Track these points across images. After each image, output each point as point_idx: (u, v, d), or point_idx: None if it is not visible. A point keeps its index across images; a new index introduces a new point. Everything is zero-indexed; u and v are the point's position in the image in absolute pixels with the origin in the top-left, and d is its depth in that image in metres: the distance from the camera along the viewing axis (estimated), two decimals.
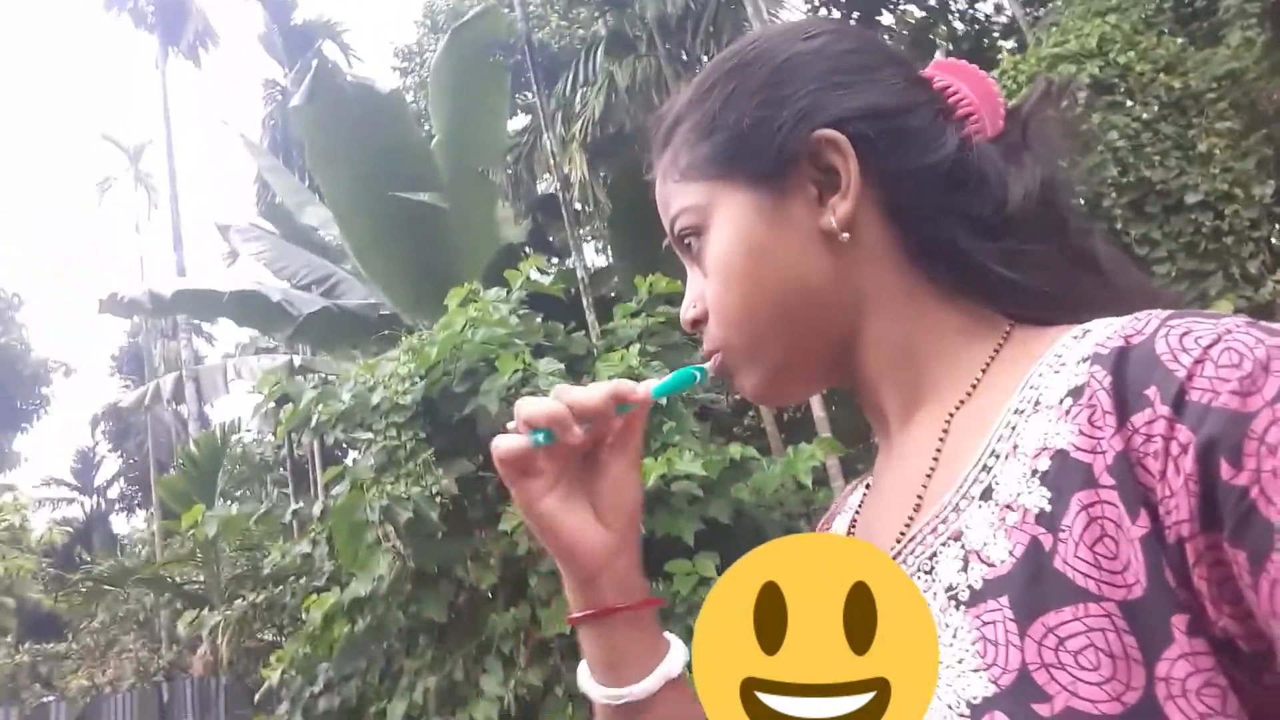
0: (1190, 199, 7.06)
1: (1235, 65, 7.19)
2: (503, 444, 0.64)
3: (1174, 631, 0.46)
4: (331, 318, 9.50)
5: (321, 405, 5.18)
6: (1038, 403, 0.55)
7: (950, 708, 0.52)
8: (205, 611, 6.40)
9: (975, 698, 0.51)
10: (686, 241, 0.69)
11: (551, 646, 4.33)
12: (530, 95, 11.70)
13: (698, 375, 0.70)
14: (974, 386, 0.62)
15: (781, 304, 0.64)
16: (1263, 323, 0.49)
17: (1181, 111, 7.23)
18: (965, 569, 0.55)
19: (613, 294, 9.43)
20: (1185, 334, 0.49)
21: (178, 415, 20.83)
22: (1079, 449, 0.50)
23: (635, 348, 4.93)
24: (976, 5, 16.23)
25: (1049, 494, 0.51)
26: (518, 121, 12.81)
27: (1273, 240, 7.42)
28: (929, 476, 0.61)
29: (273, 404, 5.89)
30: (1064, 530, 0.50)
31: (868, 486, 0.75)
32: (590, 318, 8.23)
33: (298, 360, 11.44)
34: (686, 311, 0.71)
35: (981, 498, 0.56)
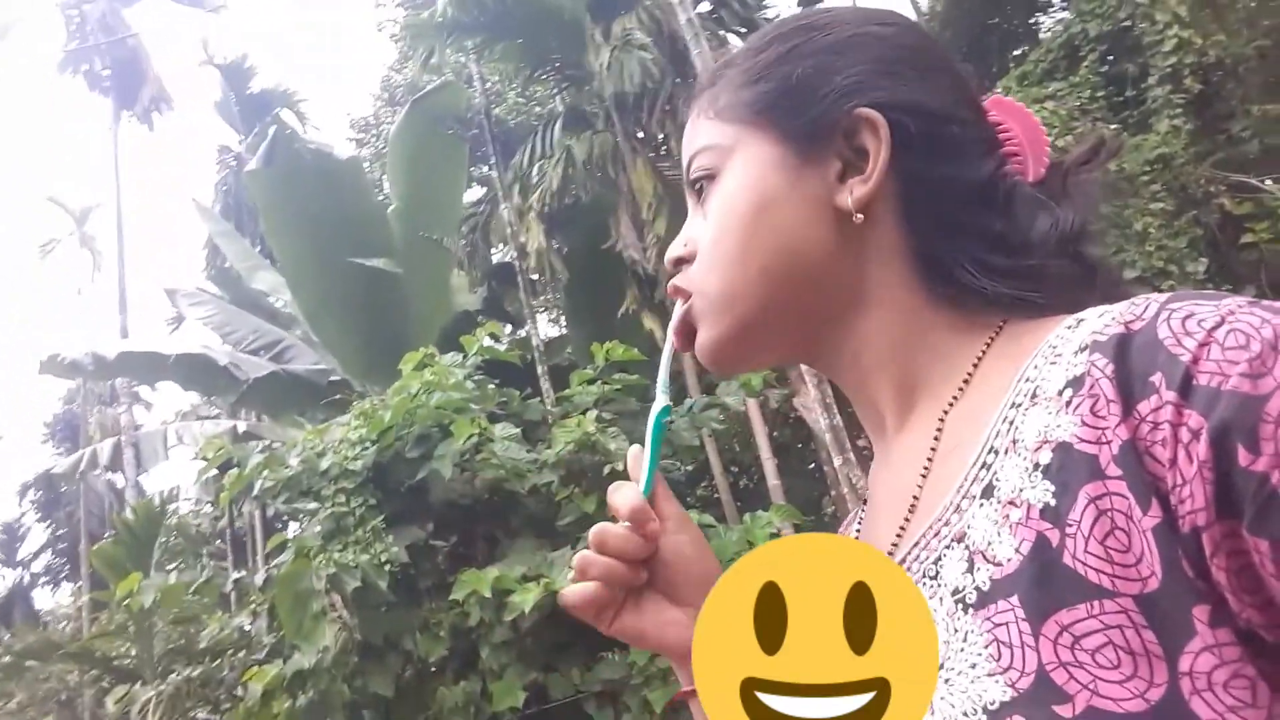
0: (1129, 275, 7.37)
1: (1165, 150, 7.61)
2: (572, 596, 0.66)
3: (1195, 623, 0.44)
4: (279, 383, 9.33)
5: (267, 471, 5.05)
6: (1035, 395, 0.53)
7: (966, 715, 0.50)
8: (136, 687, 6.06)
9: (993, 703, 0.49)
10: (699, 183, 0.68)
11: None
12: (486, 168, 11.84)
13: (665, 408, 0.69)
14: (965, 383, 0.60)
15: (773, 262, 0.63)
16: (1265, 301, 0.47)
17: (1117, 193, 7.59)
18: (971, 570, 0.53)
19: (566, 363, 9.43)
20: (1188, 317, 0.47)
21: (111, 485, 20.08)
22: (1083, 440, 0.48)
23: (592, 414, 4.92)
24: None
25: (1053, 488, 0.49)
26: (474, 193, 12.92)
27: None
28: (924, 477, 0.60)
29: (215, 471, 5.71)
30: (1071, 525, 0.48)
31: (864, 503, 0.74)
32: (545, 385, 8.21)
33: (241, 427, 11.16)
34: (674, 249, 0.69)
35: (983, 496, 0.54)
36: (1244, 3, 9.61)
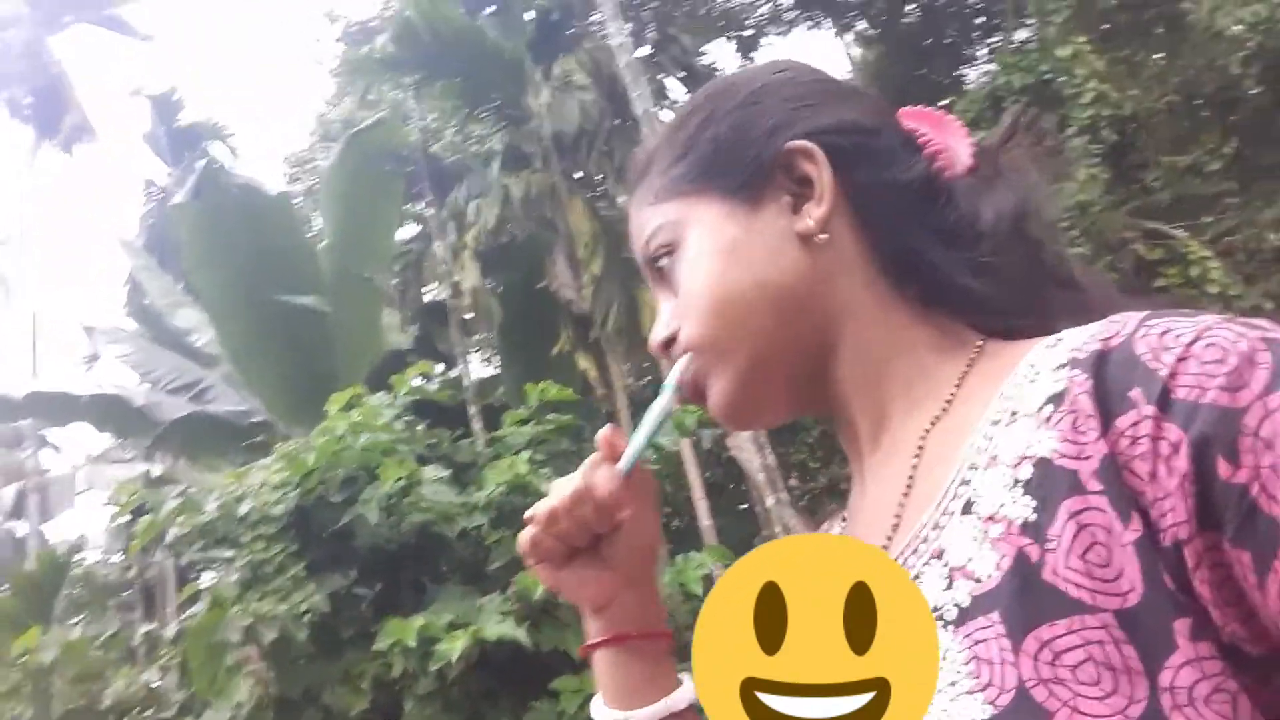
0: None
1: (1083, 197, 7.91)
2: (525, 542, 0.69)
3: (1176, 638, 0.44)
4: (199, 424, 8.99)
5: (182, 517, 4.82)
6: (1014, 412, 0.53)
7: None
8: None
9: None
10: (659, 264, 0.68)
11: None
12: (421, 206, 11.72)
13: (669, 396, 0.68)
14: (948, 403, 0.60)
15: (752, 302, 0.63)
16: (1240, 318, 0.48)
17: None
18: (950, 587, 0.52)
19: (499, 404, 9.29)
20: (1165, 332, 0.47)
21: (11, 534, 19.04)
22: (1063, 455, 0.48)
23: (525, 454, 4.82)
24: None
25: (1033, 503, 0.49)
26: (407, 231, 12.75)
27: None
28: (905, 495, 0.60)
29: (127, 517, 5.43)
30: (1051, 540, 0.48)
31: (844, 520, 0.73)
32: (477, 426, 8.06)
33: (156, 471, 10.71)
34: (658, 334, 0.69)
35: (962, 512, 0.53)
36: (1155, 61, 10.13)
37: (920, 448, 0.60)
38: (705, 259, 0.64)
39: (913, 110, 0.69)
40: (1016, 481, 0.51)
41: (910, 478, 0.60)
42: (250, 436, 8.20)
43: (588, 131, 9.68)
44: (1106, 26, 10.67)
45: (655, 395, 0.69)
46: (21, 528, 15.65)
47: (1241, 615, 0.43)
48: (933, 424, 0.60)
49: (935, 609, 0.52)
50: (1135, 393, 0.46)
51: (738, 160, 0.65)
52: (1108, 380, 0.48)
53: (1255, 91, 9.39)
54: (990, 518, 0.51)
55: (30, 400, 9.32)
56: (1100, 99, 8.63)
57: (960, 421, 0.58)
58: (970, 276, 0.62)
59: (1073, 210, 7.93)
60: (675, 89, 11.13)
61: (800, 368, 0.65)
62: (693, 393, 0.67)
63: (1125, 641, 0.44)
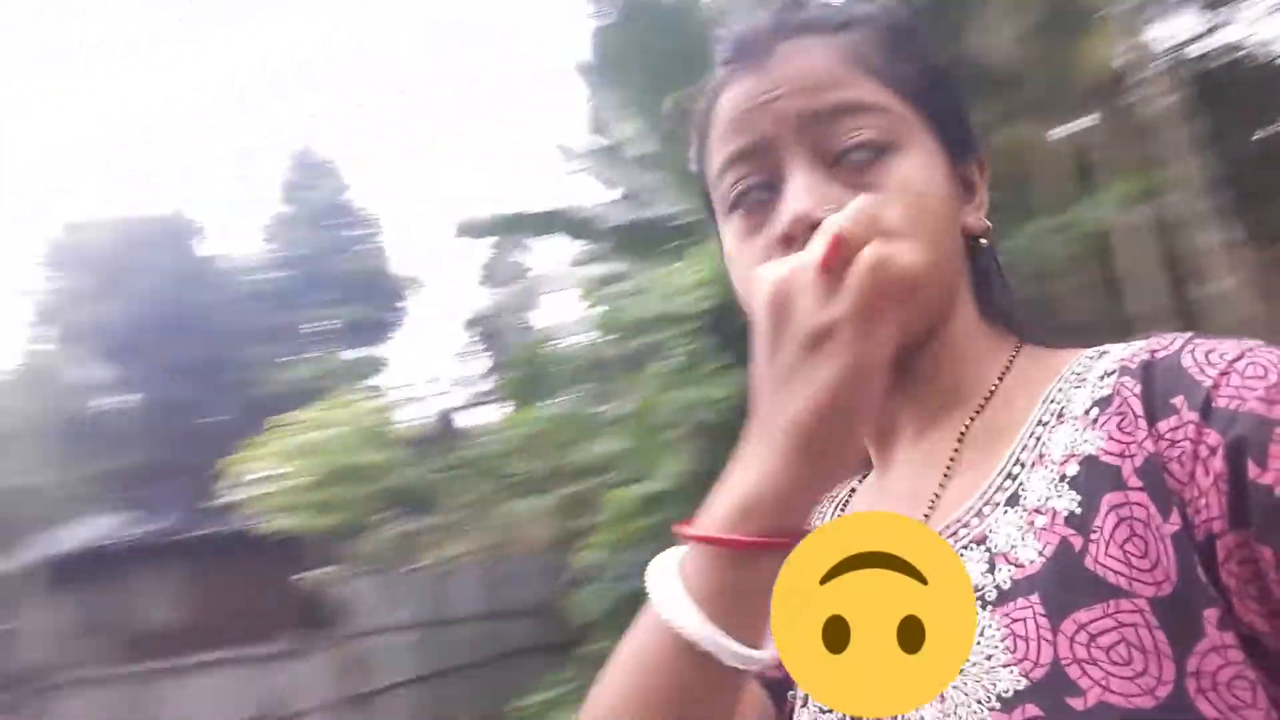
0: None
1: None
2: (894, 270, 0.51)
3: (1205, 625, 0.46)
4: (640, 229, 9.80)
5: (627, 310, 5.42)
6: (1060, 414, 0.57)
7: (980, 703, 0.52)
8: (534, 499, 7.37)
9: (1006, 691, 0.51)
10: (851, 154, 0.60)
11: None
12: None
13: None
14: (986, 399, 0.63)
15: (945, 261, 0.63)
16: None
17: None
18: (992, 571, 0.55)
19: None
20: (1210, 350, 0.52)
21: (516, 325, 22.93)
22: (1108, 453, 0.52)
23: None
24: None
25: (1079, 497, 0.52)
26: None
27: None
28: (942, 485, 0.62)
29: (597, 310, 6.32)
30: (1095, 531, 0.50)
31: (852, 491, 0.74)
32: None
33: (621, 268, 12.04)
34: (819, 209, 0.56)
35: (1007, 504, 0.56)
36: None
37: (960, 439, 0.62)
38: (931, 202, 0.61)
39: None
40: (1063, 478, 0.54)
41: (950, 466, 0.62)
42: (691, 236, 8.78)
43: None
44: None
45: None
46: (531, 318, 18.94)
47: (1265, 611, 0.45)
48: (974, 417, 0.62)
49: (976, 589, 0.54)
50: (1178, 400, 0.50)
51: (960, 126, 0.66)
52: (1154, 387, 0.52)
53: None
54: (1036, 510, 0.54)
55: (518, 219, 10.90)
56: None
57: (1002, 418, 0.61)
58: (1007, 289, 0.69)
59: None
60: None
61: (910, 343, 0.61)
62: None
63: (1157, 626, 0.47)
